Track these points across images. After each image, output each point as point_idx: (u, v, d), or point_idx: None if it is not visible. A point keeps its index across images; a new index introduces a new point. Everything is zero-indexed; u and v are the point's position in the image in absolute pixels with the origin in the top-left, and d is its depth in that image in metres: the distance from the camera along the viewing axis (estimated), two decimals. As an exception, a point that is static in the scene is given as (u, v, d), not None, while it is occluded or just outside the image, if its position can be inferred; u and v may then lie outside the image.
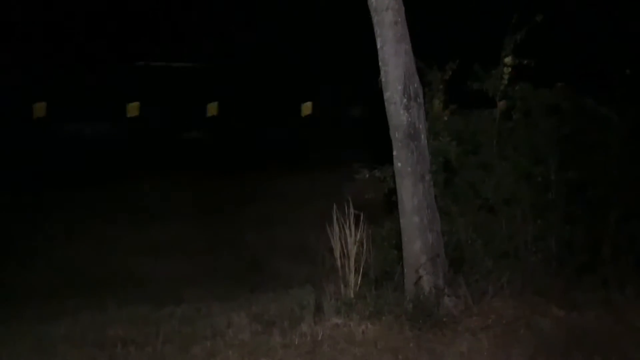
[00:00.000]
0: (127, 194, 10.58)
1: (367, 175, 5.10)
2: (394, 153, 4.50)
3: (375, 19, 4.43)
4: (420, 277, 4.41)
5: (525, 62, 5.04)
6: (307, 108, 20.56)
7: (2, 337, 4.50)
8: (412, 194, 4.45)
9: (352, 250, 4.63)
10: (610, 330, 4.24)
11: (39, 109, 17.14)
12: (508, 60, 5.01)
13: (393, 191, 4.65)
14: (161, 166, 12.98)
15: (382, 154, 4.68)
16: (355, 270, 4.61)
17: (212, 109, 19.37)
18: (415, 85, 4.45)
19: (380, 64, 4.46)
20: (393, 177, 4.62)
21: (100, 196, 10.37)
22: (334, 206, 4.70)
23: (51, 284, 6.37)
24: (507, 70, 5.02)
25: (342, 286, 4.62)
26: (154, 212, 9.47)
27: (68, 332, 4.51)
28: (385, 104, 4.48)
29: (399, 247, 4.63)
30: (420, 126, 4.47)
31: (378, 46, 4.44)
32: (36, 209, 9.56)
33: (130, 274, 6.73)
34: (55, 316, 4.91)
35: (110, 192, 10.67)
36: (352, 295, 4.57)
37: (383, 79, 4.46)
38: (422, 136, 4.49)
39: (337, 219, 4.68)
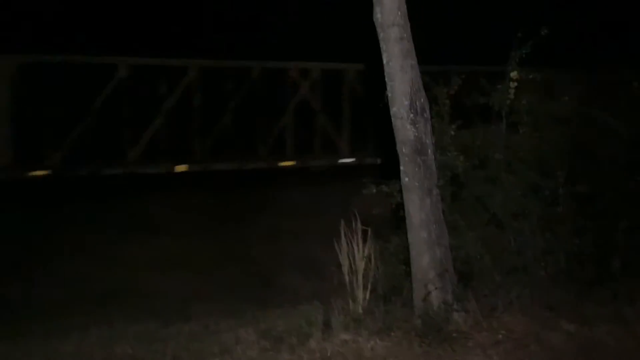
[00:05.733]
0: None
1: (375, 190, 5.09)
2: (401, 168, 4.50)
3: (381, 35, 4.43)
4: (429, 293, 4.39)
5: (531, 76, 5.03)
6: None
7: (9, 355, 4.47)
8: (420, 209, 4.44)
9: (360, 265, 4.61)
10: (622, 345, 4.21)
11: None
12: (514, 74, 5.00)
13: (400, 206, 4.64)
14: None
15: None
16: (364, 285, 4.59)
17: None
18: (422, 100, 4.45)
19: (386, 79, 4.46)
20: (400, 191, 4.61)
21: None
22: (342, 222, 4.68)
23: (58, 300, 6.35)
24: (512, 84, 5.00)
25: (350, 302, 4.59)
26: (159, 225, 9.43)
27: (76, 349, 4.48)
28: (392, 119, 4.48)
29: (407, 262, 4.61)
30: (427, 141, 4.46)
31: (384, 62, 4.44)
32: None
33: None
34: (63, 333, 4.88)
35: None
36: (360, 311, 4.54)
37: (389, 94, 4.46)
38: (429, 151, 4.48)
39: (344, 234, 4.66)
